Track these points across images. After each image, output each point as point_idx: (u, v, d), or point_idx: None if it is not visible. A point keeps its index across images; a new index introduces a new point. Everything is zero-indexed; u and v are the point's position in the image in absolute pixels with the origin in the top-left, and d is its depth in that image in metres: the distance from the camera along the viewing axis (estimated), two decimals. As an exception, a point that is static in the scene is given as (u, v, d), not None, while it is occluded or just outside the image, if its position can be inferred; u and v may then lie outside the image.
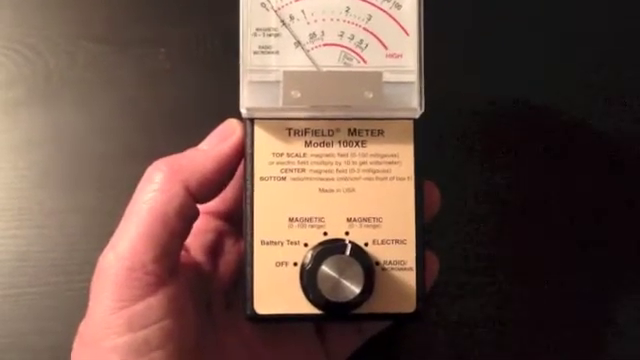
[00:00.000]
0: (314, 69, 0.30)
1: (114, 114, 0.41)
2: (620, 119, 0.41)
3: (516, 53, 0.41)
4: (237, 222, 0.32)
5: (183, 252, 0.32)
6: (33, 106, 0.40)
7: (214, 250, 0.34)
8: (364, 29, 0.31)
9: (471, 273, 0.39)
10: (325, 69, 0.30)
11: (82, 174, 0.40)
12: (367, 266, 0.29)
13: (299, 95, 0.29)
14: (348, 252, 0.29)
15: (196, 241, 0.33)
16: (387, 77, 0.30)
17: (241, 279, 0.30)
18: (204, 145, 0.31)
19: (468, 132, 0.40)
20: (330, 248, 0.29)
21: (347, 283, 0.28)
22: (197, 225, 0.31)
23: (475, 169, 0.40)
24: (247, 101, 0.30)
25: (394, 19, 0.31)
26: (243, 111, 0.30)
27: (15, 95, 0.40)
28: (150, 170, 0.30)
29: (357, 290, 0.28)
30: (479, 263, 0.39)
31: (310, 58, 0.30)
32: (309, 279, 0.29)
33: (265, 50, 0.30)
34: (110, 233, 0.30)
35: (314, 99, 0.29)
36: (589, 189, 0.40)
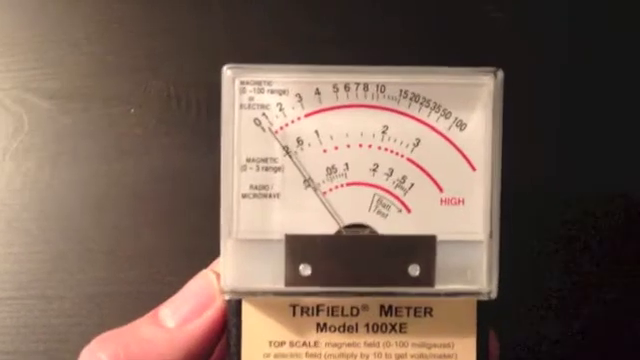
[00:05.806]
0: (333, 226, 0.20)
1: (69, 193, 0.33)
2: None
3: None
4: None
5: None
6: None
7: None
8: (408, 160, 0.20)
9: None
10: (349, 222, 0.20)
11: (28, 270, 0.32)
12: None
13: (309, 272, 0.19)
14: None
15: None
16: (442, 236, 0.20)
17: None
18: (168, 318, 0.22)
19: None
20: None
21: None
22: None
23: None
24: (230, 280, 0.20)
25: (454, 145, 0.20)
26: (226, 295, 0.20)
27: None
28: (86, 356, 0.21)
29: None
30: None
31: (327, 206, 0.20)
32: None
33: (259, 193, 0.20)
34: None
35: (331, 279, 0.19)
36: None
